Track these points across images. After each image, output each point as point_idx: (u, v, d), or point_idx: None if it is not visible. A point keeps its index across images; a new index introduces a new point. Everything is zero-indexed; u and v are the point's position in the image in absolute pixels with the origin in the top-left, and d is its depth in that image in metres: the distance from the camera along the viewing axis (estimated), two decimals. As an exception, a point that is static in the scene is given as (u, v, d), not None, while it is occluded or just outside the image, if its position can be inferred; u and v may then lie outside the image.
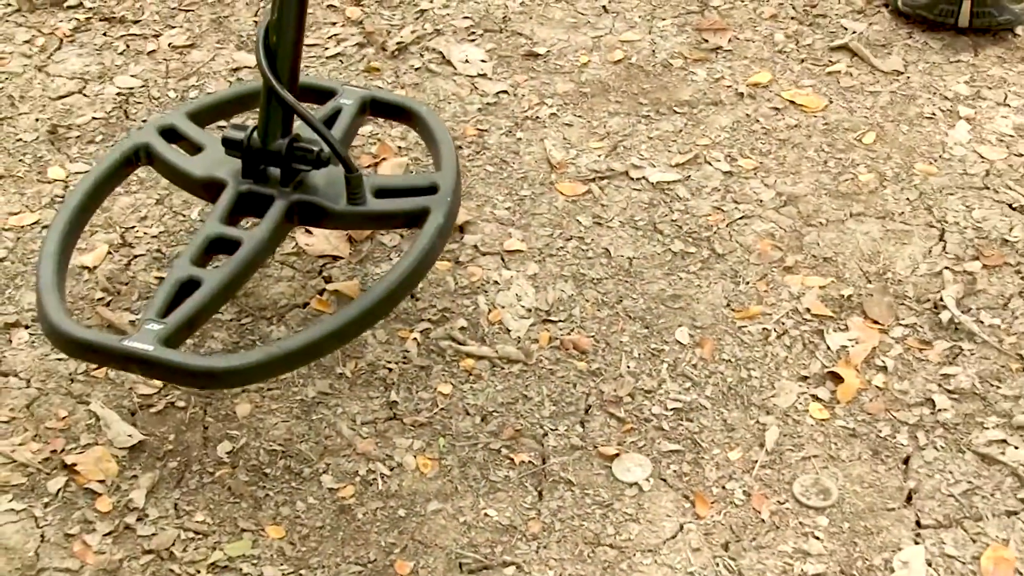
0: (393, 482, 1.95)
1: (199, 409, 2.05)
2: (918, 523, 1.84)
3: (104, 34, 2.84)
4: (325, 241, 2.36)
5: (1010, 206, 2.34)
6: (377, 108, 2.34)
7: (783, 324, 2.16)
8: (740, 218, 2.38)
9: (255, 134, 2.06)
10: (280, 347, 1.87)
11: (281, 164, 2.05)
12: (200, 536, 1.87)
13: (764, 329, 2.16)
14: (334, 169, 2.08)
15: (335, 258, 2.35)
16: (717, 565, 1.80)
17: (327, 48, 2.80)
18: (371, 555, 1.85)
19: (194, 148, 2.18)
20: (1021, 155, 2.45)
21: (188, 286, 1.91)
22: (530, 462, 1.97)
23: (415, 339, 2.18)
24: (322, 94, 2.30)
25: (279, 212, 2.04)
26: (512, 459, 1.97)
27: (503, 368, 2.13)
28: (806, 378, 2.06)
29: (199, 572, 1.82)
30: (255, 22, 2.85)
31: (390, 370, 2.13)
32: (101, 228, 2.35)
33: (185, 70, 2.75)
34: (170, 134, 2.20)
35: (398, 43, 2.82)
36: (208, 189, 2.11)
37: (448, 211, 2.07)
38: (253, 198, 2.06)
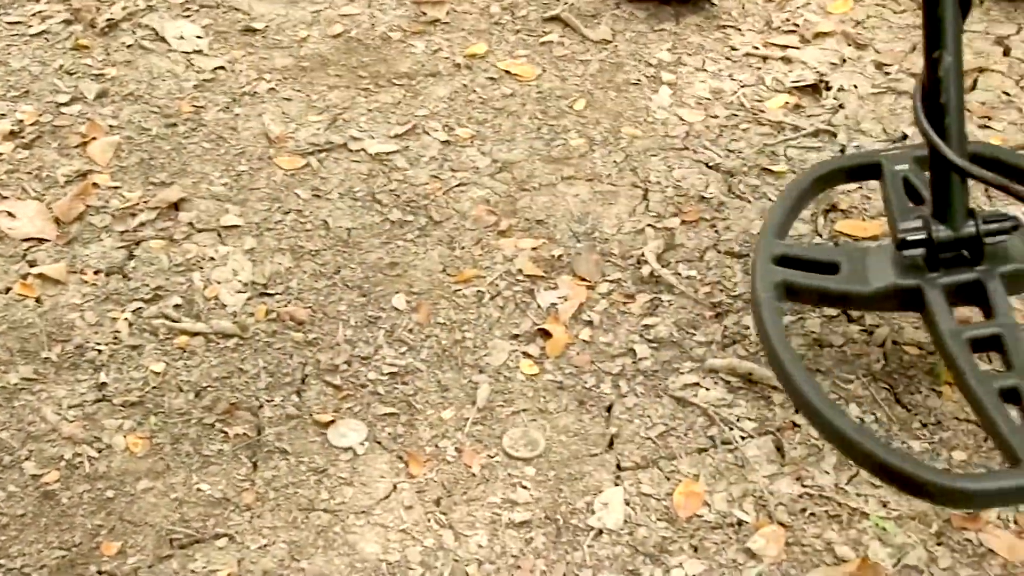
0: (101, 464, 1.91)
1: None
2: (618, 466, 1.93)
3: None
4: (30, 224, 2.28)
5: (707, 165, 2.47)
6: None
7: (496, 286, 2.22)
8: (457, 185, 2.43)
9: (936, 224, 1.86)
10: None
11: (976, 245, 1.87)
12: None
13: (478, 291, 2.21)
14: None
15: (40, 240, 2.27)
16: (429, 520, 1.85)
17: (30, 26, 2.70)
18: (76, 538, 1.81)
19: (827, 267, 1.97)
20: (717, 117, 2.59)
21: (1010, 395, 1.72)
22: (245, 434, 1.96)
23: (126, 319, 2.14)
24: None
25: (999, 290, 1.84)
26: (227, 432, 1.97)
27: (218, 343, 2.11)
28: (517, 336, 2.13)
29: None
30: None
31: (99, 351, 2.08)
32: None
33: None
34: (790, 262, 1.98)
35: (108, 19, 2.75)
36: (898, 299, 1.91)
37: None
38: (962, 289, 1.87)
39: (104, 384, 2.03)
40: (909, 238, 1.87)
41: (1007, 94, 2.64)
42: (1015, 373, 1.75)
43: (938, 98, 1.83)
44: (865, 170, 2.16)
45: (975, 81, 2.67)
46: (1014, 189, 1.82)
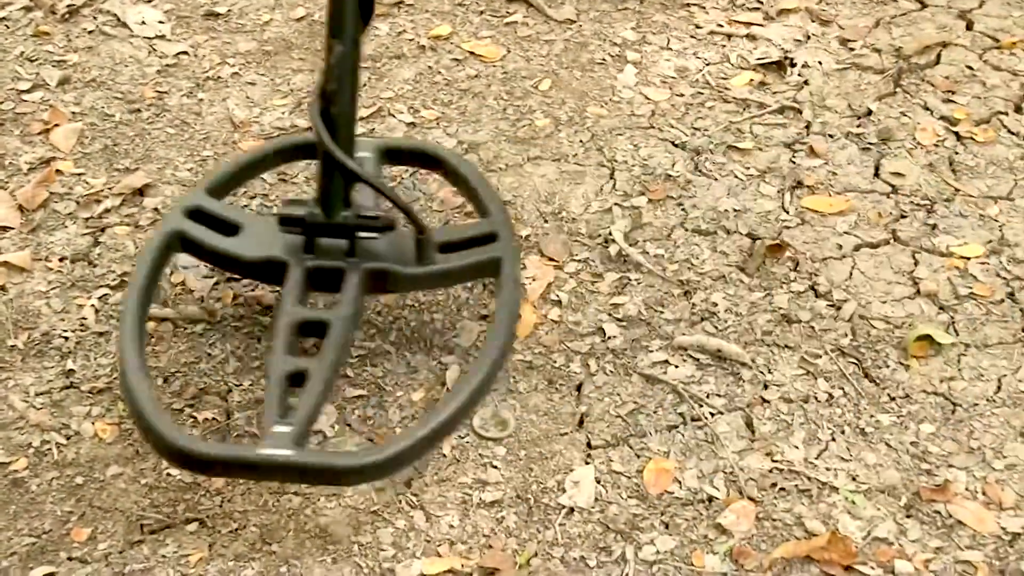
0: (70, 451, 1.90)
1: None
2: (589, 444, 1.94)
3: None
4: (-8, 211, 2.27)
5: (673, 143, 2.48)
6: (394, 156, 2.22)
7: (464, 267, 2.22)
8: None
9: (314, 208, 1.92)
10: (413, 436, 1.74)
11: (347, 235, 1.93)
12: None
13: (446, 273, 2.21)
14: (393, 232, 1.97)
15: (4, 228, 2.25)
16: (400, 502, 1.85)
17: (-10, 12, 2.67)
18: (46, 525, 1.80)
19: (228, 228, 2.01)
20: (682, 95, 2.60)
21: (295, 379, 1.77)
22: (214, 419, 1.96)
23: (93, 305, 2.13)
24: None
25: (356, 284, 1.90)
26: (196, 417, 1.96)
27: (186, 329, 2.10)
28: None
29: None
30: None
31: (66, 339, 2.07)
32: None
33: None
34: (198, 215, 2.01)
35: (69, 6, 2.72)
36: (265, 270, 1.96)
37: (517, 256, 2.01)
38: (322, 274, 1.93)
39: (71, 371, 2.02)
40: (289, 214, 1.94)
41: (970, 68, 2.66)
42: (311, 360, 1.81)
43: (327, 87, 1.89)
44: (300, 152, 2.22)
45: (939, 56, 2.69)
46: (379, 185, 1.92)
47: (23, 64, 2.64)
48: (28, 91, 2.56)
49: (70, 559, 1.76)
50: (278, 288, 1.96)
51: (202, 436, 1.92)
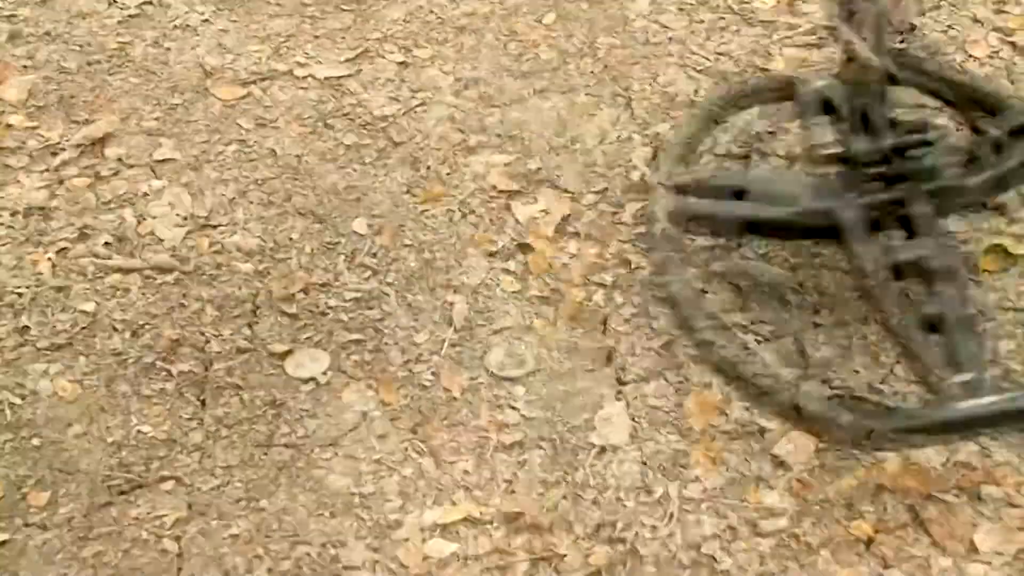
0: (25, 411, 1.76)
1: None
2: (619, 380, 1.79)
3: None
4: (-64, 165, 2.14)
5: (695, 69, 2.35)
6: None
7: (468, 204, 2.09)
8: (418, 106, 2.30)
9: (850, 138, 1.77)
10: None
11: (899, 157, 1.77)
12: None
13: (448, 210, 2.08)
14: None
15: None
16: (406, 449, 1.70)
17: (-69, -35, 2.56)
18: (-1, 490, 1.66)
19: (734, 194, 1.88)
20: (702, 21, 2.48)
21: (932, 323, 1.66)
22: (191, 371, 1.82)
23: (49, 259, 1.99)
24: None
25: (926, 211, 1.75)
26: (169, 371, 1.82)
27: (156, 279, 1.97)
28: (494, 253, 2.00)
29: None
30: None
31: (20, 295, 1.94)
32: None
33: None
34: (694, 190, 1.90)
35: (19, -44, 2.61)
36: (815, 223, 1.82)
37: None
38: (883, 208, 1.77)
39: (26, 328, 1.88)
40: (821, 152, 1.79)
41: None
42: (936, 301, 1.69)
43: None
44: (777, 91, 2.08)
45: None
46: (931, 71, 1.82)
47: (-31, 20, 2.52)
48: (-26, 47, 2.45)
49: (27, 525, 1.62)
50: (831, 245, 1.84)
51: (177, 391, 1.77)
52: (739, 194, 1.89)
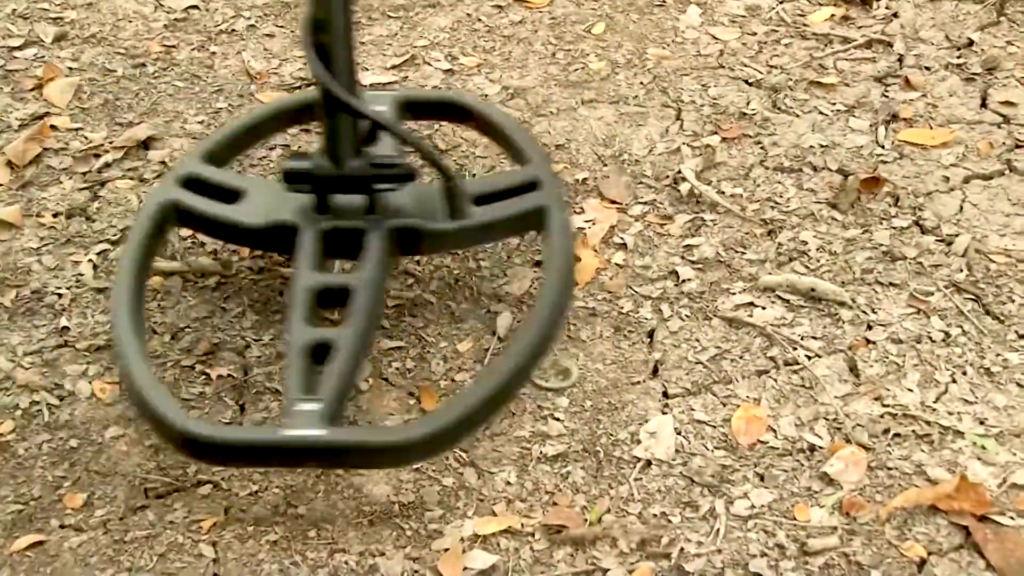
0: (63, 412, 1.78)
1: None
2: (665, 393, 1.79)
3: None
4: (-21, 165, 2.17)
5: (746, 81, 2.35)
6: (416, 109, 2.07)
7: (513, 213, 2.09)
8: (463, 114, 2.31)
9: (322, 160, 1.77)
10: (466, 403, 1.61)
11: (363, 189, 1.78)
12: None
13: (493, 220, 2.08)
14: (416, 184, 1.83)
15: (-8, 183, 2.16)
16: (447, 458, 1.70)
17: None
18: (35, 492, 1.67)
19: (229, 195, 1.88)
20: (754, 34, 2.48)
21: (319, 351, 1.63)
22: (230, 375, 1.83)
23: (91, 261, 2.01)
24: None
25: (380, 246, 1.76)
26: (208, 375, 1.83)
27: (197, 283, 1.98)
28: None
29: None
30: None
31: (60, 296, 1.96)
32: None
33: None
34: (195, 184, 1.89)
35: (66, -41, 2.65)
36: (272, 237, 1.82)
37: (564, 204, 1.86)
38: (339, 236, 1.78)
39: (66, 329, 1.90)
40: (293, 168, 1.78)
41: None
42: (336, 330, 1.68)
43: (316, 15, 1.70)
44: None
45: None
46: (392, 127, 1.79)
47: (15, 22, 2.56)
48: (20, 48, 2.49)
49: (62, 527, 1.63)
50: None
51: (215, 396, 1.79)
52: (236, 195, 1.87)
